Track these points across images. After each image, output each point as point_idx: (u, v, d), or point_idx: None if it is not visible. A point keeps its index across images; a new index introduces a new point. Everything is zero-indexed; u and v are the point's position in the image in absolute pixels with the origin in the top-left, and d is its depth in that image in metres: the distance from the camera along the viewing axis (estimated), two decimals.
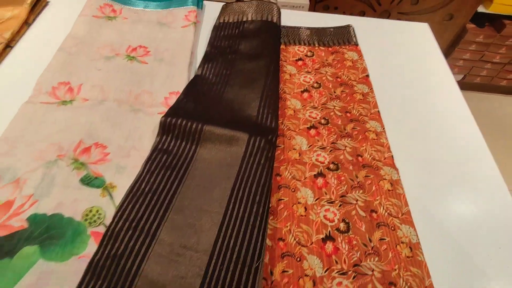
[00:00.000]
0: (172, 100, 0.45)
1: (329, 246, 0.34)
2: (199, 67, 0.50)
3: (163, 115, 0.41)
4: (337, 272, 0.32)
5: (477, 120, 0.49)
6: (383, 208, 0.37)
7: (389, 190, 0.38)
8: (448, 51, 1.44)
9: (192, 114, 0.41)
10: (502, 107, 1.60)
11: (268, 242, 0.33)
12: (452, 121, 0.49)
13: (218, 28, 0.57)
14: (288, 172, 0.40)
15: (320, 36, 0.59)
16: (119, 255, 0.30)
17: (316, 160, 0.41)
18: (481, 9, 1.27)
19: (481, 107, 1.59)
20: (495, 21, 1.35)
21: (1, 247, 0.30)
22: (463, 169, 0.43)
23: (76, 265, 0.30)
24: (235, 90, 0.47)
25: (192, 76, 0.49)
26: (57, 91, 0.44)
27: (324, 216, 0.36)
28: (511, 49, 1.39)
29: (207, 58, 0.52)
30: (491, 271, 0.34)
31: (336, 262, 0.33)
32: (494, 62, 1.45)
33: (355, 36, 0.59)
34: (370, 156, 0.42)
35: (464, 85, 1.60)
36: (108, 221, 0.33)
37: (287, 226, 0.35)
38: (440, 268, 0.33)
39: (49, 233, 0.31)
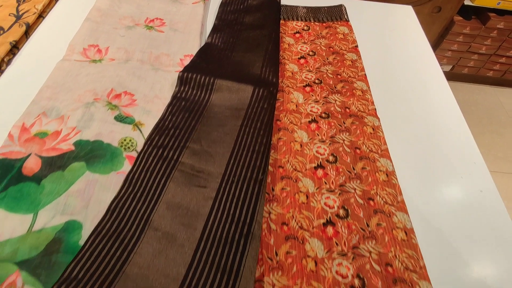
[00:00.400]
0: (187, 61, 0.52)
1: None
2: (209, 36, 0.58)
3: (180, 71, 0.48)
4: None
5: (465, 110, 0.51)
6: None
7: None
8: (437, 43, 1.52)
9: (205, 71, 0.49)
10: (488, 98, 1.68)
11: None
12: (438, 109, 0.52)
13: (225, 4, 0.64)
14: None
15: (315, 13, 0.66)
16: (150, 171, 0.37)
17: (311, 110, 0.49)
18: (467, 2, 1.35)
19: (469, 98, 1.67)
20: (481, 14, 1.43)
21: (55, 163, 0.37)
22: (450, 158, 0.45)
23: (115, 178, 0.37)
24: (241, 54, 0.54)
25: (203, 44, 0.56)
26: (87, 52, 0.51)
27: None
28: (495, 41, 1.47)
29: (215, 29, 0.59)
30: (476, 253, 0.36)
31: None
32: (481, 53, 1.54)
33: (346, 14, 0.66)
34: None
35: (453, 76, 1.68)
36: (139, 148, 0.40)
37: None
38: (431, 250, 0.36)
39: (92, 153, 0.38)
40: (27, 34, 0.54)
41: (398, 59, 0.60)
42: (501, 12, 1.39)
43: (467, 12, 1.44)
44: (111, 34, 0.55)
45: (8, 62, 0.50)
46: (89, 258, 0.31)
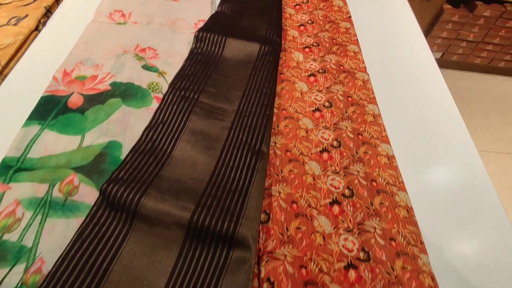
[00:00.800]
0: (200, 25, 0.59)
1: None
2: (219, 6, 0.65)
3: (196, 31, 0.55)
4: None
5: (454, 95, 0.53)
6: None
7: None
8: (428, 30, 1.60)
9: (217, 31, 0.56)
10: (476, 84, 1.77)
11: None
12: (429, 93, 0.55)
13: None
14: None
15: None
16: (175, 106, 0.45)
17: (309, 67, 0.56)
18: None
19: (458, 84, 1.76)
20: (469, 2, 1.51)
21: (95, 99, 0.44)
22: (441, 142, 0.48)
23: (146, 112, 0.44)
24: (248, 20, 0.61)
25: (213, 12, 0.63)
26: (113, 16, 0.58)
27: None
28: (482, 29, 1.55)
29: (224, 0, 0.66)
30: (465, 223, 0.40)
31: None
32: (469, 41, 1.62)
33: None
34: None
35: (443, 63, 1.77)
36: (164, 90, 0.47)
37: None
38: (424, 225, 0.38)
39: (126, 92, 0.45)
40: (57, 0, 0.61)
41: (391, 46, 0.64)
42: (487, 0, 1.47)
43: (456, 0, 1.52)
44: (133, 3, 0.62)
45: (44, 24, 0.56)
46: (131, 166, 0.38)
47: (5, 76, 0.48)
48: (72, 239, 0.32)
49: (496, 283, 0.36)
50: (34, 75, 0.48)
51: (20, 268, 0.30)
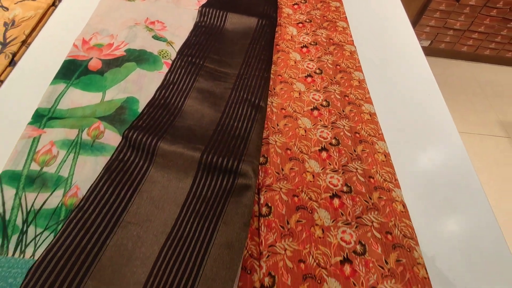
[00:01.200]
0: (203, 2, 0.65)
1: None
2: None
3: (200, 6, 0.61)
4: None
5: (441, 82, 0.56)
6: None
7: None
8: (416, 19, 1.67)
9: (219, 7, 0.61)
10: (462, 71, 1.84)
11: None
12: (415, 79, 0.57)
13: None
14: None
15: None
16: (183, 69, 0.50)
17: (303, 40, 0.62)
18: None
19: (446, 72, 1.83)
20: None
21: (112, 63, 0.50)
22: (425, 129, 0.50)
23: (158, 75, 0.50)
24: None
25: None
26: None
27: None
28: (468, 17, 1.62)
29: None
30: (447, 199, 0.42)
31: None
32: (455, 29, 1.69)
33: None
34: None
35: (431, 51, 1.84)
36: (173, 57, 0.53)
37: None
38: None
39: (139, 57, 0.51)
40: None
41: (380, 34, 0.68)
42: None
43: None
44: None
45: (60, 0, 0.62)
46: (148, 117, 0.44)
47: (29, 44, 0.53)
48: (101, 171, 0.38)
49: (473, 265, 0.37)
50: (55, 44, 0.53)
51: (59, 192, 0.36)
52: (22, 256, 0.31)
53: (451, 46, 1.79)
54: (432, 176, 0.45)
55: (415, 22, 1.68)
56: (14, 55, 0.50)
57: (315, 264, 0.35)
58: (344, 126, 0.47)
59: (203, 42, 0.56)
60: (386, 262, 0.35)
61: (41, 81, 0.47)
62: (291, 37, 0.63)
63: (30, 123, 0.41)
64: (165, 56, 0.53)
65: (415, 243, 0.37)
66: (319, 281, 0.34)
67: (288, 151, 0.44)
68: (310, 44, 0.61)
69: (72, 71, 0.48)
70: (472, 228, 0.41)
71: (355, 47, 0.62)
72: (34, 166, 0.38)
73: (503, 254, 0.39)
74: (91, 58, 0.50)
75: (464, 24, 1.66)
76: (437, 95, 0.56)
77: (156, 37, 0.55)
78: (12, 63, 0.50)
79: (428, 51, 1.81)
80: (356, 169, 0.43)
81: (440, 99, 0.55)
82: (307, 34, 0.63)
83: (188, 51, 0.53)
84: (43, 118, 0.42)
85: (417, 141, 0.49)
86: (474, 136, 1.53)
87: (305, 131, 0.47)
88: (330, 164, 0.43)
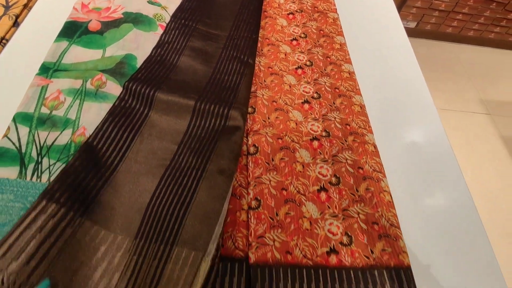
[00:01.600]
0: None
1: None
2: None
3: None
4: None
5: (426, 62, 0.61)
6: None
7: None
8: (403, 0, 1.71)
9: None
10: (447, 52, 1.90)
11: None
12: (397, 61, 0.60)
13: None
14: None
15: None
16: (178, 30, 0.54)
17: (289, 7, 0.66)
18: None
19: (431, 52, 1.89)
20: None
21: (111, 24, 0.53)
22: (406, 112, 0.52)
23: (153, 36, 0.54)
24: None
25: None
26: None
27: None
28: None
29: None
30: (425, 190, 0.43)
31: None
32: (441, 10, 1.74)
33: None
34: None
35: (418, 32, 1.89)
36: (167, 20, 0.57)
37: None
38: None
39: (136, 19, 0.55)
40: None
41: (364, 17, 0.71)
42: None
43: None
44: None
45: None
46: (146, 71, 0.48)
47: (30, 8, 0.56)
48: (105, 115, 0.42)
49: (449, 240, 0.39)
50: (55, 7, 0.57)
51: (68, 132, 0.40)
52: (39, 180, 0.36)
53: (436, 28, 1.85)
54: (410, 152, 0.47)
55: (402, 3, 1.72)
56: (17, 17, 0.54)
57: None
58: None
59: (195, 7, 0.59)
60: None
61: (44, 40, 0.50)
62: (278, 4, 0.67)
63: (38, 74, 0.45)
64: (160, 19, 0.56)
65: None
66: (298, 204, 0.39)
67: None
68: (296, 11, 0.65)
69: (74, 31, 0.51)
70: (447, 202, 0.43)
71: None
72: (44, 110, 0.42)
73: (476, 228, 0.41)
74: (91, 20, 0.54)
75: (449, 5, 1.71)
76: (419, 75, 0.58)
77: (151, 2, 0.59)
78: (15, 24, 0.53)
79: (415, 33, 1.86)
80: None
81: (422, 81, 0.57)
82: (294, 2, 0.68)
83: (181, 15, 0.57)
84: (49, 70, 0.46)
85: (396, 117, 0.51)
86: (456, 113, 1.60)
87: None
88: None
